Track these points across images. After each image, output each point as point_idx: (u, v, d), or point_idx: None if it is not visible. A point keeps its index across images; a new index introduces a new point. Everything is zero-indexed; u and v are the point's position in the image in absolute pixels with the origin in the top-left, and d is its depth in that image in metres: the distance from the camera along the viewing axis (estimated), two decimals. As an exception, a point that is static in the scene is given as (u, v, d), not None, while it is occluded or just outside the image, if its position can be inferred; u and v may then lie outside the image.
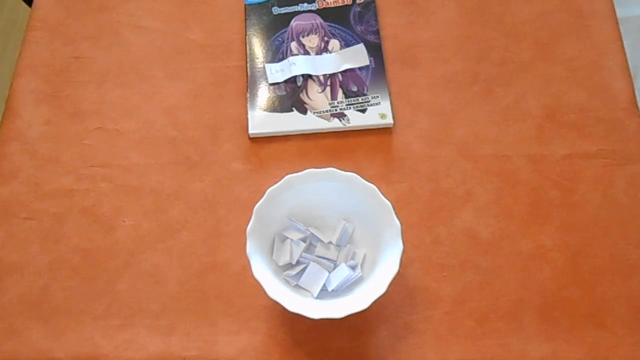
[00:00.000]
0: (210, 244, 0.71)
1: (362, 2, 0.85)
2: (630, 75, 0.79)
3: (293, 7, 0.85)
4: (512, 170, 0.74)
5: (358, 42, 0.82)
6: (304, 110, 0.78)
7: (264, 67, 0.80)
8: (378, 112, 0.77)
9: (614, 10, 0.84)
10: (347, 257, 0.66)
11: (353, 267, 0.66)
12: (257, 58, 0.81)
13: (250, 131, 0.76)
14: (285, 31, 0.83)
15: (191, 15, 0.86)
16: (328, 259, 0.67)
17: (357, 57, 0.81)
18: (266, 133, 0.77)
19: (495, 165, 0.75)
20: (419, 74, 0.81)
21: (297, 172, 0.66)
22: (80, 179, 0.75)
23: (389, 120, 0.77)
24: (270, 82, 0.79)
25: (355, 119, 0.77)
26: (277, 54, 0.81)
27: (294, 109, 0.78)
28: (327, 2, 0.85)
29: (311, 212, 0.68)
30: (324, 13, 0.84)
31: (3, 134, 0.78)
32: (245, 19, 0.84)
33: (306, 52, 0.81)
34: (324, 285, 0.65)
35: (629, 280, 0.68)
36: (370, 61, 0.80)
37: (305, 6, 0.85)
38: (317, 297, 0.64)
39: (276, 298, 0.60)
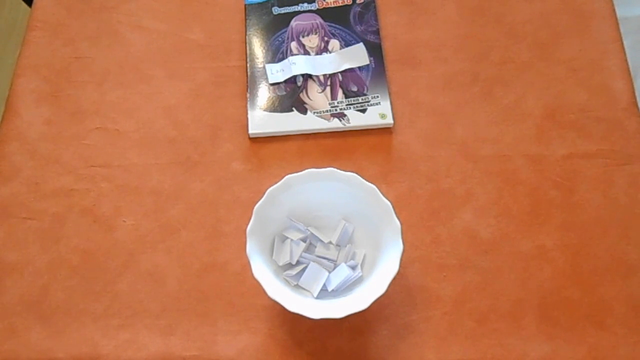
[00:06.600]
0: (210, 244, 0.71)
1: (362, 2, 0.85)
2: (630, 75, 0.79)
3: (293, 7, 0.85)
4: (512, 170, 0.74)
5: (358, 42, 0.82)
6: (304, 110, 0.78)
7: (264, 67, 0.80)
8: (378, 112, 0.77)
9: (614, 10, 0.84)
10: (347, 257, 0.66)
11: (353, 267, 0.66)
12: (257, 58, 0.81)
13: (250, 131, 0.76)
14: (285, 31, 0.83)
15: (191, 15, 0.86)
16: (328, 259, 0.67)
17: (357, 57, 0.81)
18: (266, 133, 0.77)
19: (495, 165, 0.75)
20: (419, 74, 0.81)
21: (297, 172, 0.66)
22: (80, 179, 0.75)
23: (389, 120, 0.77)
24: (271, 82, 0.79)
25: (355, 119, 0.77)
26: (277, 54, 0.81)
27: (294, 109, 0.78)
28: (327, 2, 0.85)
29: (311, 212, 0.68)
30: (324, 13, 0.84)
31: (3, 134, 0.78)
32: (245, 19, 0.84)
33: (306, 52, 0.81)
34: (324, 285, 0.65)
35: (629, 280, 0.68)
36: (370, 61, 0.80)
37: (305, 6, 0.85)
38: (317, 297, 0.64)
39: (276, 298, 0.60)
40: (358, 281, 0.65)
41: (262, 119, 0.77)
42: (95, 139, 0.78)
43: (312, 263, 0.65)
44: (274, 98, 0.78)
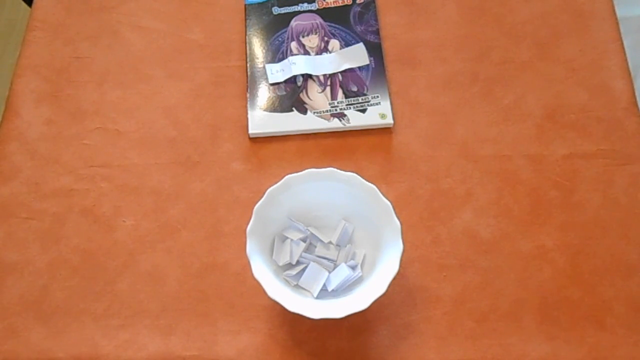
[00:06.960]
0: (210, 244, 0.71)
1: (362, 2, 0.85)
2: (630, 75, 0.79)
3: (293, 7, 0.85)
4: (512, 170, 0.74)
5: (358, 42, 0.82)
6: (304, 110, 0.78)
7: (264, 67, 0.80)
8: (378, 112, 0.77)
9: (614, 10, 0.84)
10: (347, 257, 0.66)
11: (353, 267, 0.66)
12: (257, 58, 0.81)
13: (250, 131, 0.76)
14: (285, 31, 0.83)
15: (191, 15, 0.86)
16: (328, 259, 0.67)
17: (357, 57, 0.81)
18: (266, 133, 0.77)
19: (495, 165, 0.75)
20: (419, 74, 0.81)
21: (297, 172, 0.66)
22: (80, 179, 0.75)
23: (389, 120, 0.77)
24: (271, 82, 0.79)
25: (355, 119, 0.77)
26: (277, 54, 0.81)
27: (294, 109, 0.78)
28: (327, 2, 0.85)
29: (311, 212, 0.68)
30: (324, 13, 0.84)
31: (3, 134, 0.78)
32: (245, 19, 0.84)
33: (306, 52, 0.81)
34: (324, 285, 0.65)
35: (629, 280, 0.68)
36: (370, 61, 0.80)
37: (305, 6, 0.85)
38: (317, 297, 0.64)
39: (276, 298, 0.60)
40: (358, 281, 0.65)
41: (262, 119, 0.77)
42: (95, 139, 0.78)
43: (312, 263, 0.65)
44: (274, 98, 0.78)
